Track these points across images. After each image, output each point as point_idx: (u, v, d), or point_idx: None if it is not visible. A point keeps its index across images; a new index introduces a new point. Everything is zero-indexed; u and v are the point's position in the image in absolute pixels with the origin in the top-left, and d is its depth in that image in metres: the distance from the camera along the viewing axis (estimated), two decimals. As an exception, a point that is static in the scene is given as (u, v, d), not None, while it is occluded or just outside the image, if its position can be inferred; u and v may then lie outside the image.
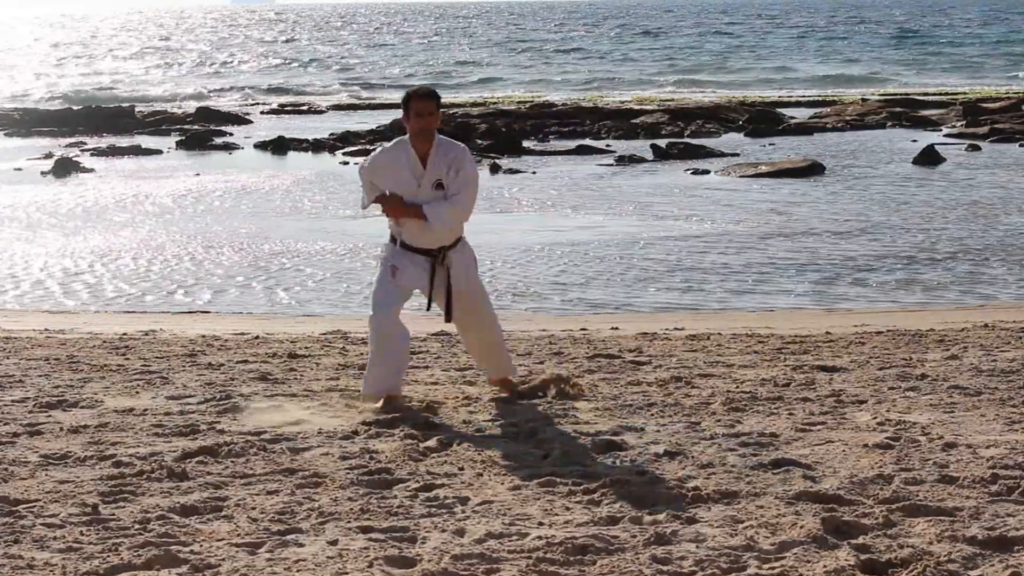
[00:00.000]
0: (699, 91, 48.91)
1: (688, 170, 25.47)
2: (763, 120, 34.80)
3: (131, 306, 13.83)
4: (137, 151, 30.63)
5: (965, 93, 44.17)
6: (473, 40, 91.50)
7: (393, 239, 7.49)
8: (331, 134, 32.97)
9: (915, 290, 14.11)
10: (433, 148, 7.29)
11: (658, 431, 6.93)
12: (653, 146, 28.61)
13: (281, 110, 44.51)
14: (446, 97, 50.57)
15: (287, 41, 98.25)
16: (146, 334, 11.06)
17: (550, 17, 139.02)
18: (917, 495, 5.63)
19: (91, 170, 27.05)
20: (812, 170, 24.71)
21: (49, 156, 28.98)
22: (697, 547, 5.02)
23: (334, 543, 5.09)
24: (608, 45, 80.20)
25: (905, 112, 36.08)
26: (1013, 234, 17.55)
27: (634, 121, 34.71)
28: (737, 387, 8.15)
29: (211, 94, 52.19)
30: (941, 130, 32.95)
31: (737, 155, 27.86)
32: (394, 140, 7.50)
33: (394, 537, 5.16)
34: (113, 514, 5.44)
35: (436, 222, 7.27)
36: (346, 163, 28.18)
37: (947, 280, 14.55)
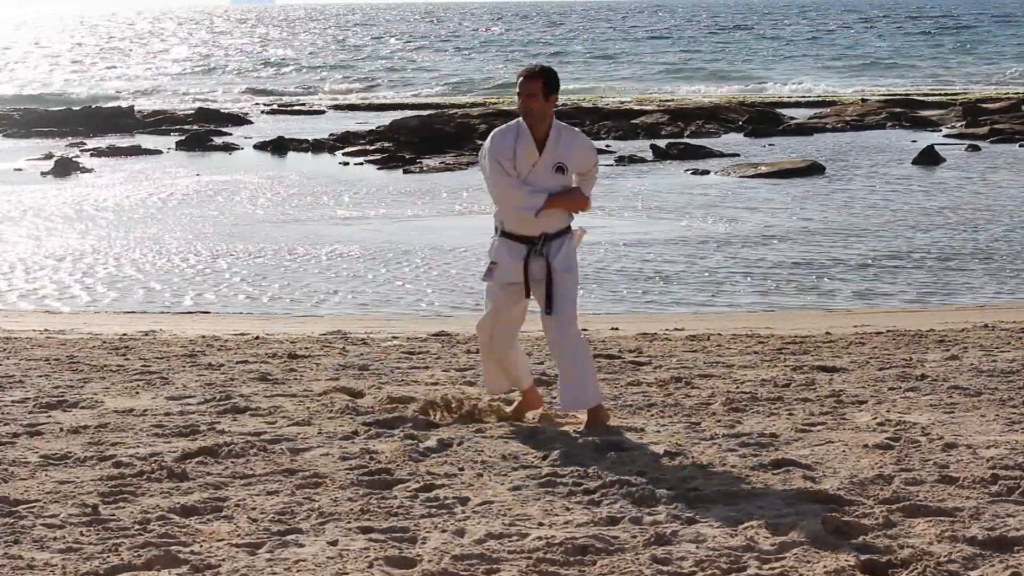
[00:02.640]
0: (696, 91, 48.68)
1: (688, 170, 25.46)
2: (763, 120, 34.77)
3: (131, 306, 13.83)
4: (137, 151, 30.63)
5: (965, 93, 44.15)
6: (470, 39, 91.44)
7: (496, 228, 7.27)
8: (331, 134, 32.95)
9: (911, 293, 14.14)
10: (553, 131, 7.03)
11: (658, 431, 6.93)
12: (653, 146, 28.62)
13: (281, 110, 44.51)
14: (448, 99, 49.52)
15: (288, 41, 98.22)
16: (146, 334, 11.06)
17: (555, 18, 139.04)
18: (917, 495, 5.63)
19: (91, 170, 27.06)
20: (812, 170, 24.72)
21: (49, 156, 28.97)
22: (697, 547, 5.02)
23: (334, 543, 5.09)
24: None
25: (905, 112, 36.04)
26: (999, 239, 17.48)
27: (634, 121, 34.69)
28: (737, 387, 8.15)
29: (211, 94, 52.18)
30: (941, 130, 32.93)
31: (737, 155, 27.85)
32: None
33: (394, 537, 5.16)
34: (113, 514, 5.44)
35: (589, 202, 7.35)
36: (346, 163, 28.17)
37: (934, 284, 14.58)
